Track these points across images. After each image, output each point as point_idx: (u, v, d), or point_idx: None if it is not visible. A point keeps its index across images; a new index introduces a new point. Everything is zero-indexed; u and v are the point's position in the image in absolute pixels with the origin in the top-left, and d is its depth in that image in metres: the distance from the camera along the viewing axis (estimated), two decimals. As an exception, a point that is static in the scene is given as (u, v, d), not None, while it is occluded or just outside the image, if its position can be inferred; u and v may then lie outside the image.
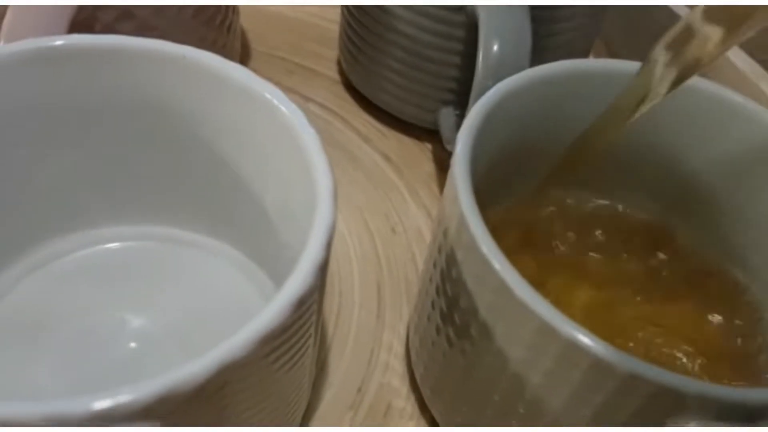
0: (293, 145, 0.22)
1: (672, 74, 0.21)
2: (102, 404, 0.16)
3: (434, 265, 0.25)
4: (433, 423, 0.28)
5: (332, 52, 0.42)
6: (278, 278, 0.27)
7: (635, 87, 0.23)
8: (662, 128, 0.28)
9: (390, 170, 0.37)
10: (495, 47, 0.30)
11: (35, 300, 0.28)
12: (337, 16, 0.40)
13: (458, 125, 0.35)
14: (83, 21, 0.29)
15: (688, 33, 0.21)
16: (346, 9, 0.38)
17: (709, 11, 0.20)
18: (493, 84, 0.29)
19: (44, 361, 0.26)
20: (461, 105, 0.35)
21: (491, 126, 0.25)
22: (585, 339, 0.19)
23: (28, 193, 0.27)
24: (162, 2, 0.31)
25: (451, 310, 0.24)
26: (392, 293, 0.31)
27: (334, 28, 0.41)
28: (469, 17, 0.32)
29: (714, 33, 0.20)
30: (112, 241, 0.29)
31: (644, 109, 0.23)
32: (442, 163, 0.37)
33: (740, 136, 0.26)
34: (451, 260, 0.23)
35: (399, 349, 0.30)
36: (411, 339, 0.29)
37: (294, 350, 0.20)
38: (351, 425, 0.28)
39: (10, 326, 0.27)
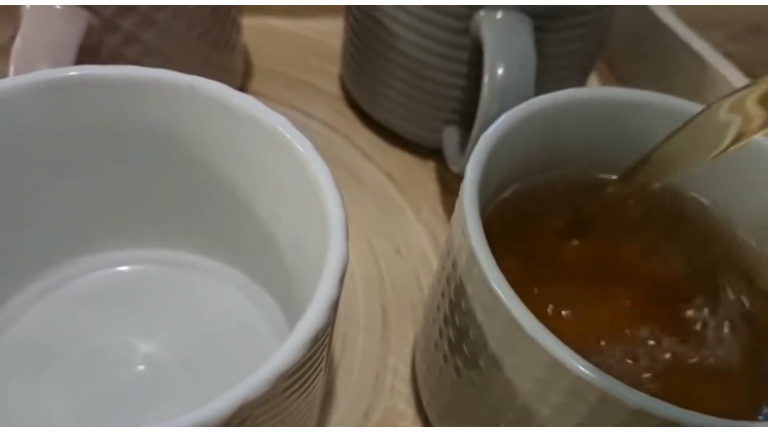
0: (303, 177, 0.22)
1: (728, 141, 0.22)
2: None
3: (442, 295, 0.25)
4: (439, 446, 0.28)
5: (334, 68, 0.43)
6: (286, 304, 0.28)
7: (691, 141, 0.23)
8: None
9: (393, 190, 0.37)
10: (500, 71, 0.30)
11: (44, 324, 0.28)
12: (338, 31, 0.41)
13: (462, 145, 0.36)
14: (91, 46, 0.29)
15: (740, 106, 0.21)
16: (350, 26, 0.38)
17: (766, 97, 0.21)
18: (499, 108, 0.29)
19: (53, 385, 0.26)
20: (465, 125, 0.36)
21: (499, 156, 0.25)
22: (593, 374, 0.20)
23: (38, 217, 0.27)
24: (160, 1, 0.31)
25: (459, 340, 0.24)
26: (397, 316, 0.32)
27: (336, 43, 0.42)
28: (473, 40, 0.32)
29: (757, 116, 0.21)
30: (121, 265, 0.29)
31: (694, 167, 0.23)
32: (446, 183, 0.37)
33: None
34: (460, 292, 0.23)
35: (405, 372, 0.30)
36: (417, 364, 0.29)
37: (308, 383, 0.21)
38: (358, 449, 0.28)
39: (20, 350, 0.27)
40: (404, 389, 0.30)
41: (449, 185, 0.37)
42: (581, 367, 0.20)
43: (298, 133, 0.23)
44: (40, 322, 0.28)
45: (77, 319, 0.28)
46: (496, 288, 0.21)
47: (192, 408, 0.26)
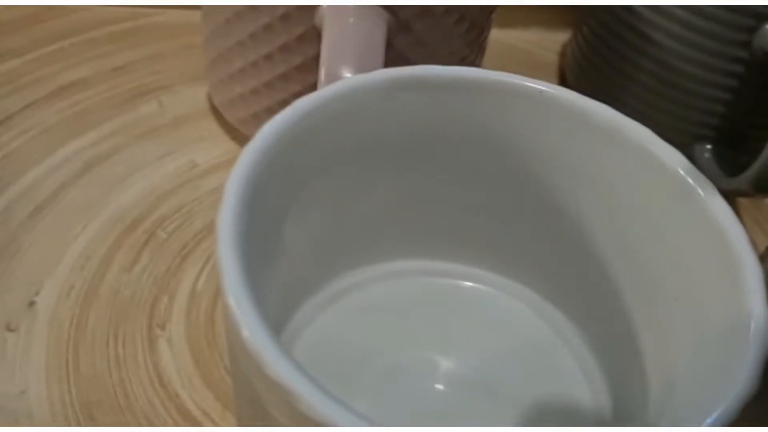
0: (704, 227, 0.21)
1: None
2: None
3: None
4: None
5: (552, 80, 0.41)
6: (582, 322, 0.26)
7: None
8: None
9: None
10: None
11: (335, 335, 0.27)
12: (553, 45, 0.40)
13: (720, 162, 0.34)
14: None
15: None
16: (589, 34, 0.37)
17: None
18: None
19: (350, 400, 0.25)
20: (720, 141, 0.35)
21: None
22: None
23: (348, 221, 0.26)
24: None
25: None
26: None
27: (550, 56, 0.41)
28: (755, 54, 0.31)
29: None
30: (406, 276, 0.28)
31: None
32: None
33: None
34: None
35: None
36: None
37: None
38: None
39: (310, 361, 0.26)
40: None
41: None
42: None
43: (698, 174, 0.21)
44: (329, 332, 0.27)
45: (369, 330, 0.27)
46: None
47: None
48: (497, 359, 0.26)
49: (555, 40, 0.42)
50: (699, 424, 0.17)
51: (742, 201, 0.37)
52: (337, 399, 0.16)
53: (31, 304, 0.28)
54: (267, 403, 0.17)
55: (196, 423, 0.26)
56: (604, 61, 0.37)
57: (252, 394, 0.18)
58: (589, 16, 0.38)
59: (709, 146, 0.35)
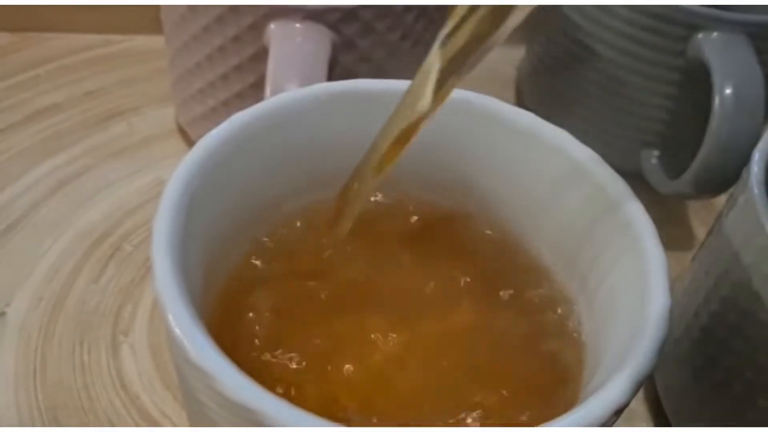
0: (618, 226, 0.22)
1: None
2: None
3: (706, 301, 0.26)
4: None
5: (509, 94, 0.43)
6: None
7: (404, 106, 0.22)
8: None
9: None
10: (730, 92, 0.30)
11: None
12: (510, 59, 0.41)
13: (665, 167, 0.36)
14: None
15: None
16: (541, 50, 0.39)
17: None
18: (729, 128, 0.30)
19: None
20: (666, 147, 0.36)
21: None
22: None
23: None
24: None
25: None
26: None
27: (508, 71, 0.42)
28: (690, 62, 0.32)
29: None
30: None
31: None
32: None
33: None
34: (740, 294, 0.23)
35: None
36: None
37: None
38: None
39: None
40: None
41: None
42: None
43: (609, 169, 0.23)
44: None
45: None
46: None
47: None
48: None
49: (512, 55, 0.43)
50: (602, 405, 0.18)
51: (692, 203, 0.39)
52: (256, 383, 0.17)
53: (2, 314, 0.30)
54: (196, 391, 0.19)
55: (154, 423, 0.27)
56: (555, 74, 0.38)
57: (185, 385, 0.20)
58: (539, 32, 0.39)
59: (655, 152, 0.36)
